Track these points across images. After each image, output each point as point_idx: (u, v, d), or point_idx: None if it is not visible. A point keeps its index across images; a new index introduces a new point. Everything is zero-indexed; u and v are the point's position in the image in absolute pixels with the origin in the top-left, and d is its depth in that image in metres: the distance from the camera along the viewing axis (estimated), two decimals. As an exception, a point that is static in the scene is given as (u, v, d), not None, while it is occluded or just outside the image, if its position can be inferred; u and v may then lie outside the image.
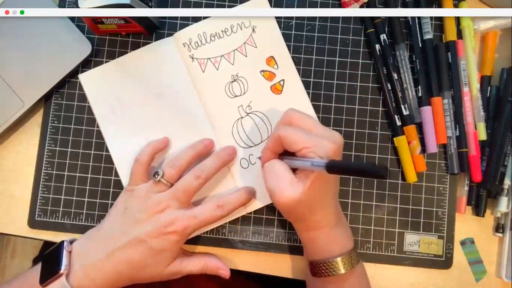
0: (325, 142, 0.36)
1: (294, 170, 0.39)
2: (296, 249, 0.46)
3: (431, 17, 0.48)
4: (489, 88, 0.48)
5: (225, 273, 0.43)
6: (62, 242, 0.41)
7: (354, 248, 0.41)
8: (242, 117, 0.47)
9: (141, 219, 0.40)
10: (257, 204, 0.46)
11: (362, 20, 0.49)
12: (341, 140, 0.37)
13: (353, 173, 0.31)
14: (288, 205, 0.37)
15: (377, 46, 0.48)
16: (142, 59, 0.47)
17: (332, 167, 0.32)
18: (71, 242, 0.42)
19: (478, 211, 0.47)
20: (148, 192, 0.41)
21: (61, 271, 0.38)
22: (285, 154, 0.40)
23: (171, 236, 0.40)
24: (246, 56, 0.47)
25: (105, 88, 0.47)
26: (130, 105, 0.47)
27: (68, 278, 0.38)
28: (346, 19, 0.49)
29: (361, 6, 0.49)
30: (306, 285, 0.44)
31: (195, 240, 0.46)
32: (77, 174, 0.47)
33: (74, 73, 0.47)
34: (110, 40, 0.48)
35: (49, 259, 0.40)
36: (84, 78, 0.47)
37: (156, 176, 0.41)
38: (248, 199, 0.44)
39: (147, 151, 0.44)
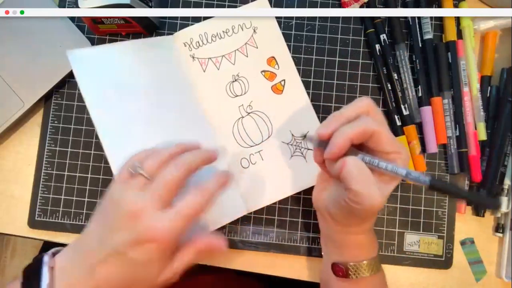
0: (405, 151, 0.34)
1: None
2: (295, 249, 0.46)
3: (431, 17, 0.48)
4: (489, 88, 0.48)
5: (219, 245, 0.36)
6: (42, 256, 0.34)
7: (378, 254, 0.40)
8: (243, 117, 0.47)
9: (116, 226, 0.33)
10: (260, 204, 0.45)
11: (362, 20, 0.49)
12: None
13: (460, 198, 0.31)
14: (377, 210, 0.34)
15: (377, 46, 0.48)
16: (141, 51, 0.45)
17: (435, 186, 0.32)
18: (55, 253, 0.36)
19: (478, 211, 0.47)
20: (123, 190, 0.34)
21: None
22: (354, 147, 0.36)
23: (150, 245, 0.32)
24: (247, 56, 0.47)
25: (100, 76, 0.43)
26: (129, 105, 0.46)
27: None
28: (346, 19, 0.49)
29: (361, 6, 0.49)
30: (319, 286, 0.43)
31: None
32: (77, 174, 0.47)
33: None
34: (110, 40, 0.48)
35: (30, 276, 0.34)
36: (74, 56, 0.42)
37: (134, 169, 0.35)
38: (226, 179, 0.37)
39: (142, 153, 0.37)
